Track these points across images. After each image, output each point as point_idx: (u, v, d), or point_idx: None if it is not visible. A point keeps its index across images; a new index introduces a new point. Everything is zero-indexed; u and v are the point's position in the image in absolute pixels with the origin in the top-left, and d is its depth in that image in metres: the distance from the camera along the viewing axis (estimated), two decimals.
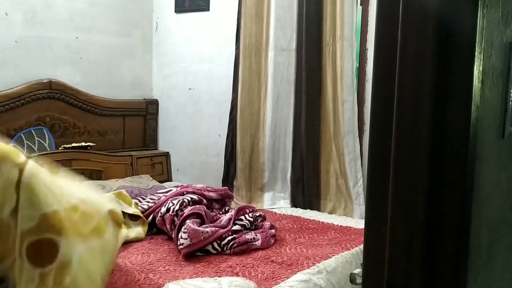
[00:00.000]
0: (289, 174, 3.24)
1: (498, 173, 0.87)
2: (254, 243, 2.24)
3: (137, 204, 2.57)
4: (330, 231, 2.57)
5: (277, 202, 3.23)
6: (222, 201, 2.72)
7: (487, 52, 0.73)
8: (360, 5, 3.03)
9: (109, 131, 3.57)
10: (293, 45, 3.17)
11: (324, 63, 3.05)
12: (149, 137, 3.83)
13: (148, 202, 2.60)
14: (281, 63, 3.20)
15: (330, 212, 3.02)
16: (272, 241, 2.33)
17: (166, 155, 3.76)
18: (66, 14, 3.30)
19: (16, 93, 3.00)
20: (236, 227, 2.29)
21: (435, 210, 0.73)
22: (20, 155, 1.37)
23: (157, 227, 2.45)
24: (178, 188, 2.68)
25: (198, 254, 2.13)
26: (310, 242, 2.37)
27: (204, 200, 2.55)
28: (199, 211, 2.33)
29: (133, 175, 3.38)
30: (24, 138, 2.98)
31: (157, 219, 2.41)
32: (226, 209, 2.63)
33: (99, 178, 3.17)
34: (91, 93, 3.43)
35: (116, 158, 3.40)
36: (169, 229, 2.35)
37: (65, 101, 3.26)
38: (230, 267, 2.00)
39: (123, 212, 2.12)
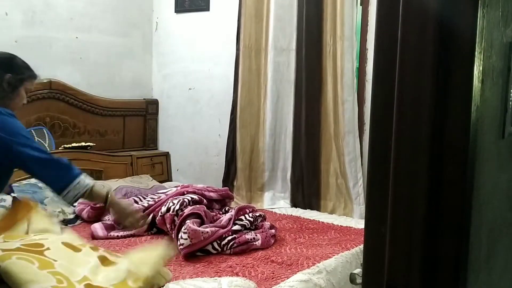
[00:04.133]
0: (289, 174, 3.24)
1: (498, 173, 0.87)
2: (254, 243, 2.24)
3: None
4: (330, 231, 2.56)
5: (277, 202, 3.23)
6: (223, 201, 2.72)
7: (487, 52, 0.73)
8: (360, 5, 3.03)
9: (109, 131, 3.57)
10: (293, 45, 3.16)
11: (324, 63, 3.05)
12: (149, 137, 3.83)
13: (148, 201, 2.60)
14: (281, 63, 3.20)
15: (330, 212, 3.02)
16: (272, 241, 2.33)
17: (166, 155, 3.76)
18: (66, 14, 3.30)
19: None
20: (236, 227, 2.29)
21: (435, 210, 0.73)
22: None
23: (157, 227, 2.45)
24: (179, 188, 2.67)
25: (198, 254, 2.13)
26: (310, 242, 2.37)
27: (205, 200, 2.54)
28: (199, 211, 2.33)
29: (133, 175, 3.38)
30: None
31: (157, 218, 2.41)
32: (226, 209, 2.63)
33: (99, 178, 3.16)
34: (91, 93, 3.43)
35: (116, 158, 3.40)
36: (169, 229, 2.35)
37: (65, 101, 3.26)
38: (230, 267, 2.00)
39: None
